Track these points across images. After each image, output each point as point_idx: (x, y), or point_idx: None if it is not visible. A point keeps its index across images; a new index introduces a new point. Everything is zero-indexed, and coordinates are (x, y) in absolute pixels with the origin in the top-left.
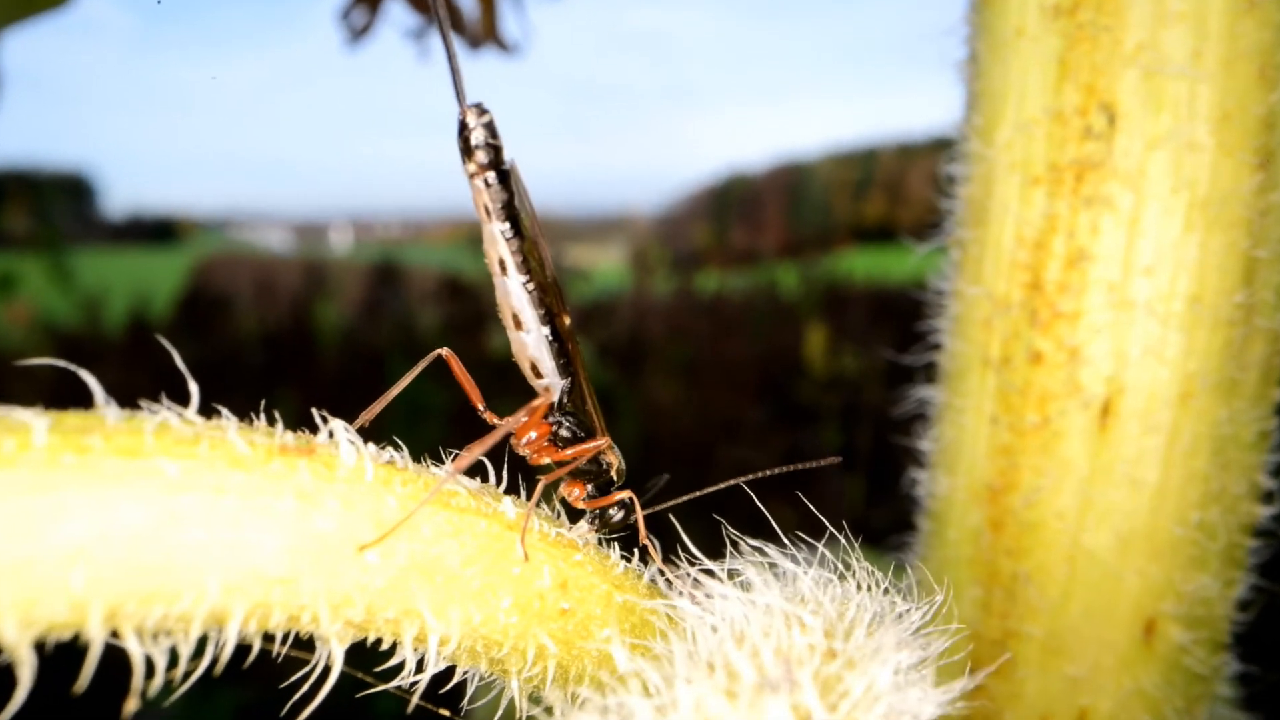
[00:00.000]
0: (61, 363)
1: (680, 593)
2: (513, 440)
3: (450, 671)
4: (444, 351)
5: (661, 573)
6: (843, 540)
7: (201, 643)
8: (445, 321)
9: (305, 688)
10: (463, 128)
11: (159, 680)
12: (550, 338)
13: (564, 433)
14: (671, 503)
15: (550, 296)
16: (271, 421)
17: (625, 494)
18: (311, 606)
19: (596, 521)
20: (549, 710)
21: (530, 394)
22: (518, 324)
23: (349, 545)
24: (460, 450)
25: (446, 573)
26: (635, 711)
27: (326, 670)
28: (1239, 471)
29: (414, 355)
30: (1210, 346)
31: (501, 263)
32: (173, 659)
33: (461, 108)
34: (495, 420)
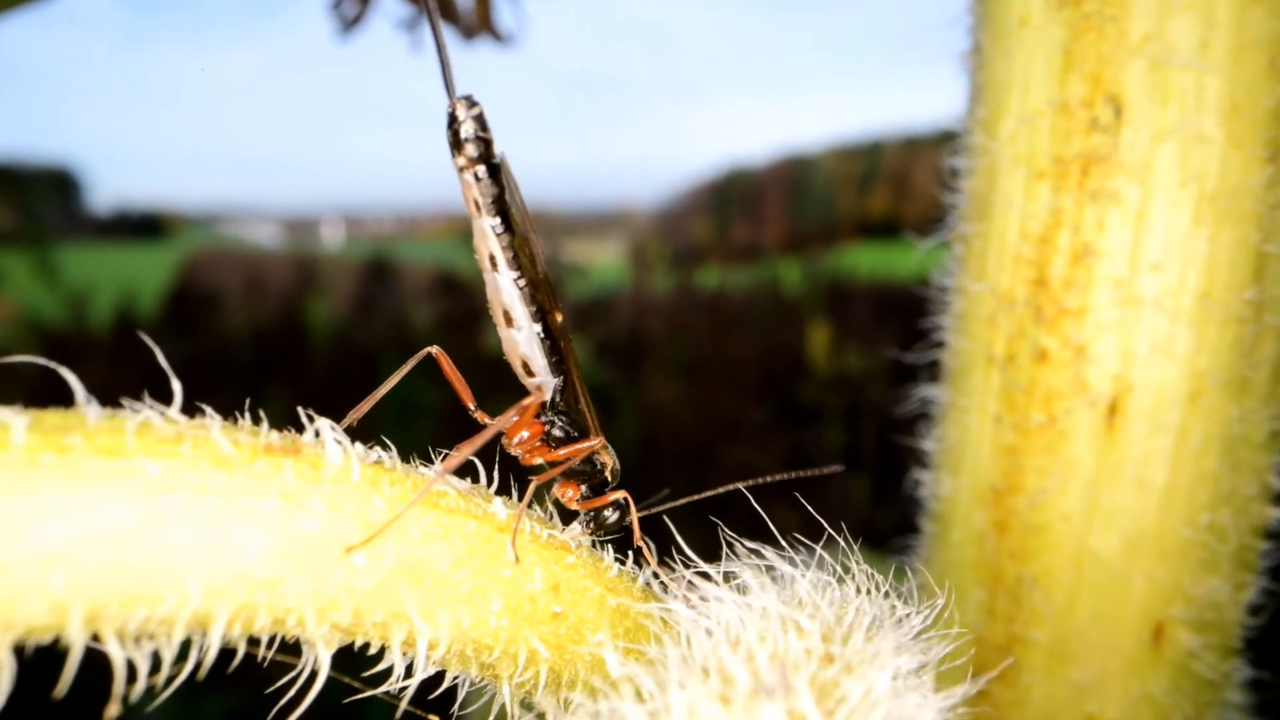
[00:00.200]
0: (43, 360)
1: (675, 596)
2: (504, 440)
3: (440, 676)
4: (434, 350)
5: (656, 575)
6: (842, 543)
7: (185, 647)
8: (439, 319)
9: (292, 693)
10: (452, 120)
11: (141, 685)
12: (542, 335)
13: (556, 432)
14: (668, 505)
15: (542, 293)
16: (257, 420)
17: (620, 494)
18: (297, 610)
19: (590, 523)
20: (541, 716)
21: (523, 393)
22: (509, 321)
23: (335, 547)
24: (450, 450)
25: (435, 575)
26: (628, 717)
27: (313, 675)
28: (1250, 472)
29: (406, 353)
30: (1220, 343)
31: (492, 258)
32: (156, 663)
33: (451, 100)
34: (486, 419)
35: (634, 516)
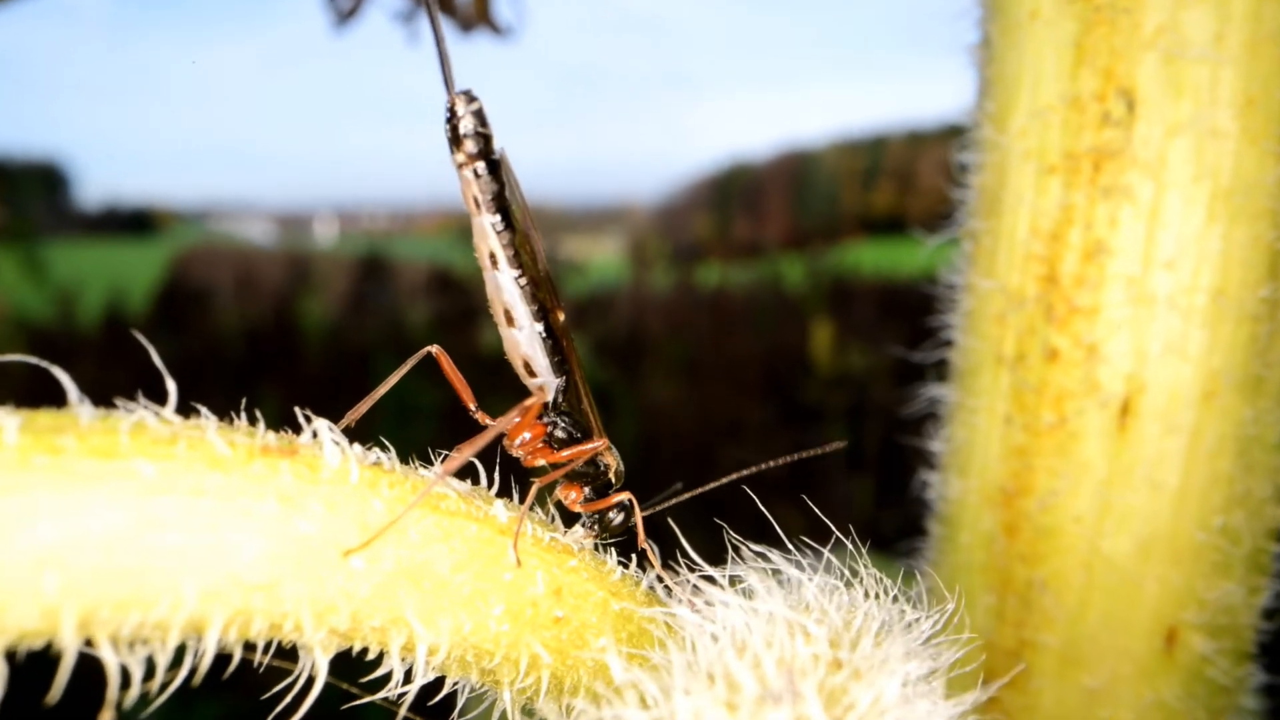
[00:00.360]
0: (33, 359)
1: (679, 600)
2: (505, 441)
3: (440, 682)
4: (434, 349)
5: (660, 579)
6: (850, 546)
7: (180, 652)
8: (435, 317)
9: (289, 699)
10: (450, 115)
11: (135, 691)
12: (544, 335)
13: (559, 433)
14: (670, 501)
15: (543, 292)
16: (253, 421)
17: (624, 495)
18: (294, 614)
19: (594, 526)
20: None
21: (524, 393)
22: (510, 320)
23: (333, 550)
24: (450, 451)
25: (435, 579)
26: None
27: (310, 681)
28: (1264, 473)
29: (403, 352)
30: (1234, 342)
31: (492, 257)
32: (150, 669)
33: (449, 94)
34: (487, 420)
35: (638, 519)
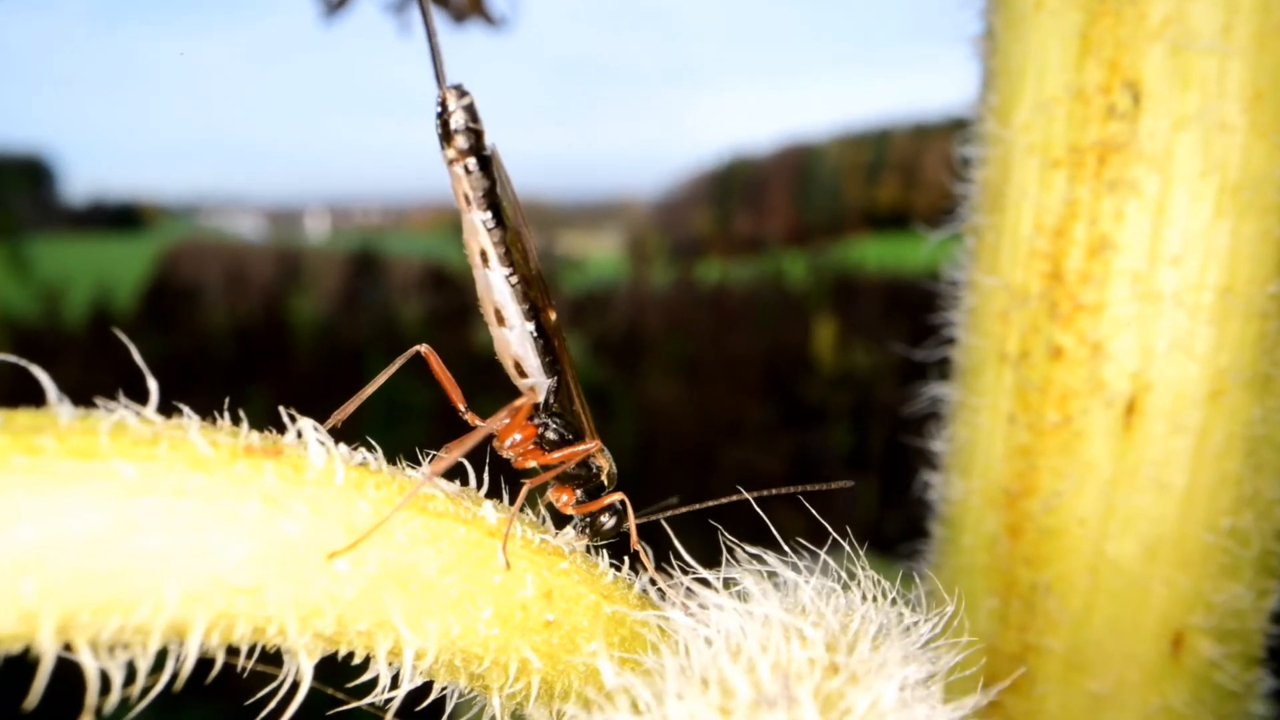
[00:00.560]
0: (14, 358)
1: (673, 603)
2: (496, 443)
3: (427, 687)
4: (423, 348)
5: (653, 582)
6: (848, 547)
7: (161, 656)
8: (428, 314)
9: (273, 704)
10: (441, 110)
11: (116, 697)
12: (535, 334)
13: (550, 435)
14: (669, 513)
15: (534, 290)
16: (237, 420)
17: (616, 497)
18: (278, 618)
19: (586, 528)
20: None
21: (517, 393)
22: (500, 319)
23: (318, 552)
24: (439, 452)
25: (422, 582)
26: None
27: (295, 686)
28: (1273, 474)
29: (394, 350)
30: (1242, 340)
31: (483, 254)
32: (130, 674)
33: (441, 89)
34: (477, 421)
35: (631, 521)
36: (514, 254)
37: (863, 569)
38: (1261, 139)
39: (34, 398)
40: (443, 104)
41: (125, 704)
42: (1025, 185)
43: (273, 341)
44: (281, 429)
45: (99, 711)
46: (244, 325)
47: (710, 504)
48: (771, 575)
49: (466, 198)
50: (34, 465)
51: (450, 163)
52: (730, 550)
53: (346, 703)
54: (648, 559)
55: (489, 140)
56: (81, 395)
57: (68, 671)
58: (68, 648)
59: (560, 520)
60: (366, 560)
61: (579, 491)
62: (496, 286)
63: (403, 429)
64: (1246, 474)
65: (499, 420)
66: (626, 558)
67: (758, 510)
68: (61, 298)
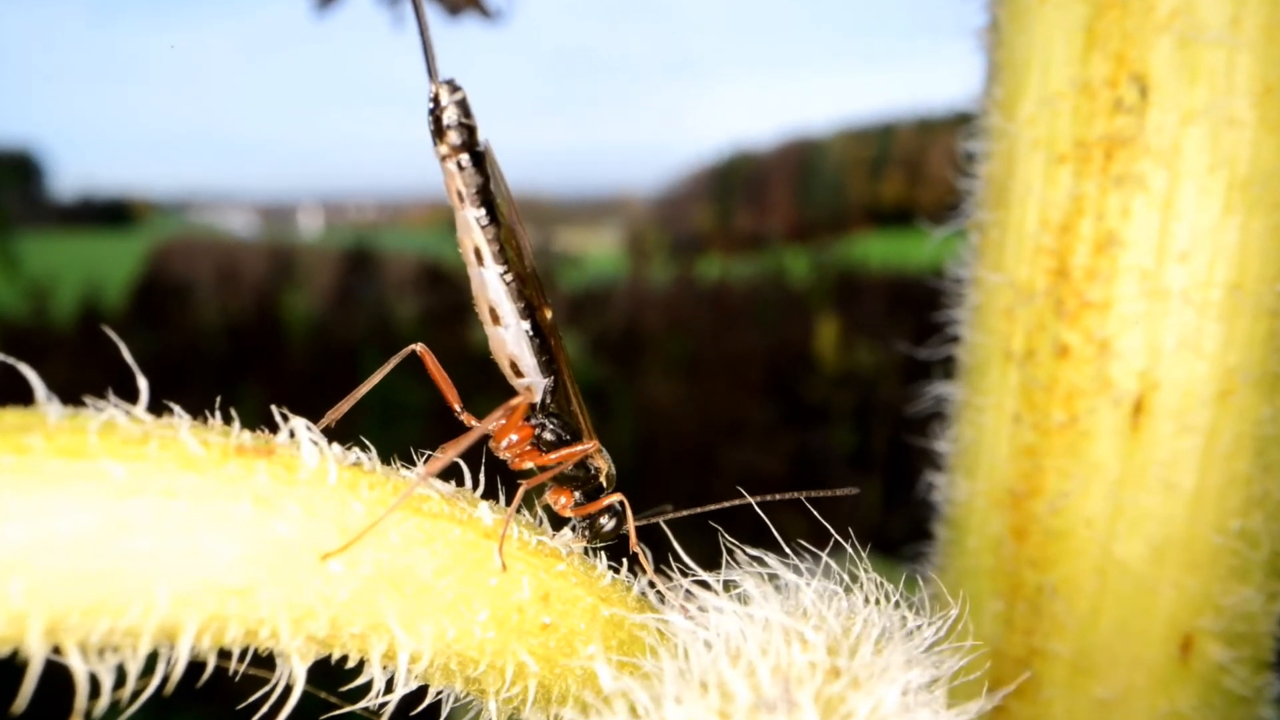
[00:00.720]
0: (2, 356)
1: (672, 606)
2: (492, 443)
3: (423, 691)
4: (418, 347)
5: (652, 584)
6: (850, 550)
7: (152, 660)
8: (424, 312)
9: (265, 708)
10: (433, 106)
11: (105, 700)
12: (530, 333)
13: (547, 435)
14: (668, 516)
15: (530, 288)
16: (229, 420)
17: (615, 498)
18: (270, 620)
19: (583, 530)
20: None
21: (512, 392)
22: (495, 318)
23: (311, 554)
24: (434, 452)
25: (417, 584)
26: None
27: (288, 690)
28: None
29: (389, 348)
30: (1252, 338)
31: (477, 252)
32: (120, 677)
33: (433, 83)
34: (473, 421)
35: (630, 522)
36: (508, 251)
37: (865, 571)
38: (1271, 133)
39: (22, 397)
40: (435, 99)
41: (115, 707)
42: (1030, 180)
43: (265, 340)
44: (274, 428)
45: (89, 715)
46: (236, 323)
47: (711, 508)
48: (772, 578)
49: (460, 194)
50: (22, 465)
51: (443, 159)
52: (730, 552)
53: (340, 707)
54: (646, 561)
55: (482, 136)
56: (70, 394)
57: (57, 674)
58: (57, 650)
59: (558, 522)
60: (360, 562)
61: (577, 493)
62: (491, 284)
63: (398, 429)
64: (1256, 474)
65: (495, 420)
66: (625, 560)
67: (759, 512)
68: (50, 295)
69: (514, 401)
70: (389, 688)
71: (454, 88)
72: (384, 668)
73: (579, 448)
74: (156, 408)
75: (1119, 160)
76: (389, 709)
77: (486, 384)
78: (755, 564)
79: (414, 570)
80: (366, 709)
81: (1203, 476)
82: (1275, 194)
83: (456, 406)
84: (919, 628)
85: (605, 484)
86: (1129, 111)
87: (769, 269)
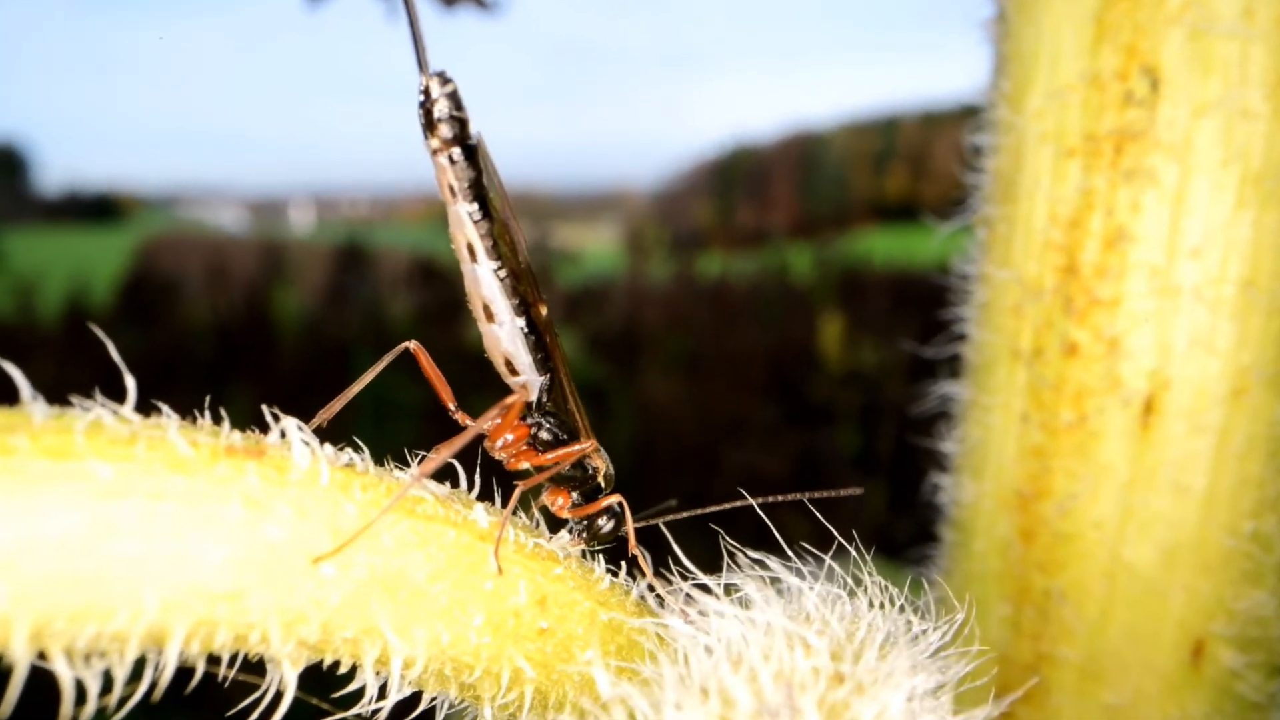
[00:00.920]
0: None
1: (672, 610)
2: (487, 443)
3: (416, 698)
4: (412, 345)
5: (652, 588)
6: (854, 553)
7: (139, 665)
8: (418, 309)
9: (256, 715)
10: (424, 98)
11: (92, 707)
12: (525, 330)
13: (544, 435)
14: (669, 517)
15: (524, 284)
16: (218, 420)
17: (614, 499)
18: (261, 625)
19: (581, 532)
20: None
21: (508, 391)
22: (489, 315)
23: (302, 557)
24: (429, 453)
25: (411, 587)
26: None
27: (279, 696)
28: None
29: (382, 347)
30: (1265, 336)
31: (470, 248)
32: (107, 683)
33: (423, 76)
34: (468, 421)
35: (629, 524)
36: (502, 247)
37: (870, 574)
38: None
39: (7, 396)
40: (425, 92)
41: (102, 714)
42: (1039, 175)
43: (256, 338)
44: (264, 428)
45: None
46: (226, 321)
47: (712, 509)
48: (775, 581)
49: (451, 189)
50: (6, 466)
51: (434, 153)
52: (732, 555)
53: (332, 713)
54: (646, 564)
55: (475, 129)
56: (56, 393)
57: (42, 680)
58: (42, 656)
59: (555, 524)
60: (353, 565)
61: (574, 494)
62: (484, 281)
63: (391, 429)
64: (1269, 476)
65: (490, 419)
66: (624, 562)
67: (760, 514)
68: (36, 292)
69: (509, 400)
70: (382, 694)
71: (445, 80)
72: (377, 673)
73: (576, 447)
74: (144, 407)
75: (1129, 154)
76: (382, 716)
77: (481, 383)
78: (757, 567)
79: (408, 574)
80: (359, 715)
81: (1215, 478)
82: None
83: (451, 406)
84: (924, 632)
85: (603, 484)
86: (1139, 104)
87: (771, 265)
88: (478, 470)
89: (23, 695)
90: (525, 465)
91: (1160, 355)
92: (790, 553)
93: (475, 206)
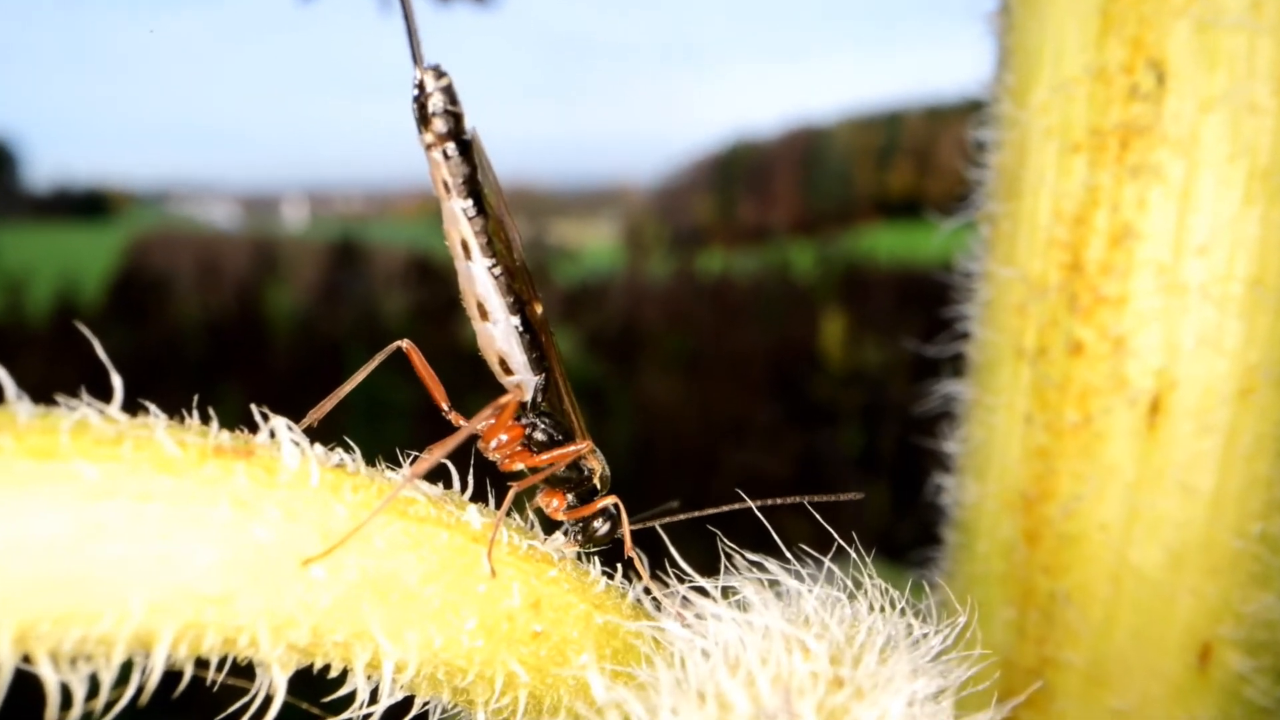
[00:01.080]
0: None
1: (669, 613)
2: (481, 444)
3: (409, 702)
4: (405, 343)
5: (648, 591)
6: (854, 555)
7: (126, 669)
8: (412, 307)
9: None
10: (418, 92)
11: (78, 711)
12: (520, 328)
13: (539, 435)
14: (667, 519)
15: (519, 282)
16: (207, 419)
17: (609, 501)
18: (250, 628)
19: (577, 534)
20: None
21: (502, 391)
22: (483, 313)
23: (292, 559)
24: (421, 453)
25: (403, 590)
26: None
27: (268, 700)
28: None
29: (376, 345)
30: (1274, 334)
31: (464, 245)
32: (93, 687)
33: (417, 69)
34: (461, 421)
35: (625, 526)
36: (497, 244)
37: (870, 577)
38: None
39: None
40: (419, 86)
41: (88, 718)
42: (1043, 170)
43: (247, 336)
44: (254, 428)
45: None
46: (216, 319)
47: (710, 511)
48: (773, 584)
49: (446, 185)
50: None
51: (428, 148)
52: (730, 557)
53: (323, 718)
54: (642, 566)
55: (469, 123)
56: (43, 392)
57: (27, 684)
58: (27, 659)
59: (550, 526)
60: (343, 567)
61: (570, 495)
62: (479, 279)
63: (383, 429)
64: (1278, 476)
65: (484, 419)
66: (620, 565)
67: (759, 515)
68: (24, 289)
69: (503, 400)
70: (373, 698)
71: (439, 74)
72: (368, 677)
73: (572, 448)
74: (132, 407)
75: (1135, 149)
76: None
77: (476, 383)
78: (755, 569)
79: (399, 576)
80: None
81: (1222, 479)
82: None
83: (444, 405)
84: (926, 636)
85: (599, 486)
86: (1145, 99)
87: (772, 262)
88: (471, 471)
89: (6, 699)
90: (520, 466)
91: (1167, 354)
92: (789, 555)
93: (470, 203)
